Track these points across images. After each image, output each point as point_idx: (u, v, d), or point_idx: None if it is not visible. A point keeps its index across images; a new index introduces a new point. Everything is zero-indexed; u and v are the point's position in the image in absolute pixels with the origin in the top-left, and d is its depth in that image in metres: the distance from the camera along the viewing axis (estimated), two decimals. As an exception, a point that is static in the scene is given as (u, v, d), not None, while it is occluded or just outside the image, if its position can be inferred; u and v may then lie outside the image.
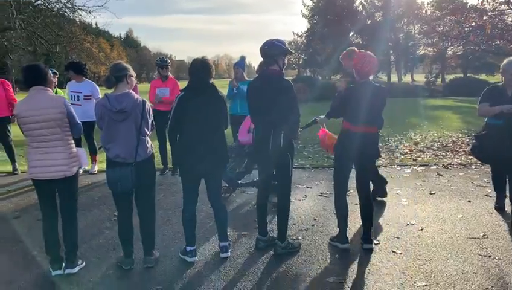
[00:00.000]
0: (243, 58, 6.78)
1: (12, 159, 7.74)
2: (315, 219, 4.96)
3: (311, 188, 6.21)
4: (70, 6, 11.73)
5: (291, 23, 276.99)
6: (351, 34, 39.37)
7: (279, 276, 3.62)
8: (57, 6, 11.68)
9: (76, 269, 3.74)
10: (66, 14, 12.19)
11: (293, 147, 3.98)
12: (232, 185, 5.71)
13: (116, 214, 4.94)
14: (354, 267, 3.75)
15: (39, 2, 11.41)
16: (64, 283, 3.56)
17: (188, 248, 3.92)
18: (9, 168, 7.80)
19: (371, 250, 4.05)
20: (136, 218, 3.85)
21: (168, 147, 7.20)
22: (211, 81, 3.79)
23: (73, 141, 3.70)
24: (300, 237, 4.38)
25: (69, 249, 3.72)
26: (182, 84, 7.48)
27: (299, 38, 46.21)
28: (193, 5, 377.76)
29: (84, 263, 3.86)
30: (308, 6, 42.06)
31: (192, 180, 3.85)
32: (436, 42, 29.69)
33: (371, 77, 4.11)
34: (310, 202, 5.63)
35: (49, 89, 3.58)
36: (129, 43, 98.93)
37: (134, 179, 3.56)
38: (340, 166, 4.17)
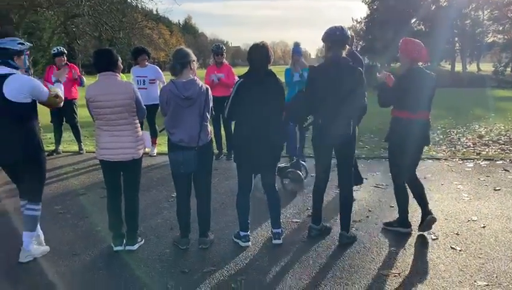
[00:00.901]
0: (297, 45, 6.72)
1: (79, 140, 8.22)
2: (370, 211, 4.87)
3: (366, 179, 6.08)
4: (134, -7, 12.20)
5: (345, 8, 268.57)
6: (413, 21, 37.63)
7: (332, 266, 3.60)
8: (122, -7, 12.21)
9: (136, 246, 3.93)
10: (130, 1, 12.74)
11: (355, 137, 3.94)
12: None
13: (173, 195, 5.15)
14: (409, 262, 3.65)
15: (104, -11, 11.98)
16: (124, 259, 3.76)
17: (242, 233, 3.99)
18: (76, 148, 8.30)
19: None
20: (193, 200, 3.97)
21: (223, 132, 7.34)
22: (269, 68, 3.79)
23: (139, 124, 3.87)
24: (354, 228, 4.31)
25: (130, 227, 3.92)
26: (237, 70, 7.58)
27: (357, 25, 44.90)
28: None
29: (143, 241, 4.05)
30: (369, -9, 40.63)
31: (249, 166, 3.90)
32: (507, 29, 27.72)
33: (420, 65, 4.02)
34: (364, 193, 5.52)
35: (118, 74, 3.75)
36: (187, 29, 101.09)
37: (196, 162, 3.67)
38: (401, 154, 4.05)
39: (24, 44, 3.65)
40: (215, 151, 7.29)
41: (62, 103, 3.95)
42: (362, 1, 41.40)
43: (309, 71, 4.02)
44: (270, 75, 3.76)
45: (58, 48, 7.84)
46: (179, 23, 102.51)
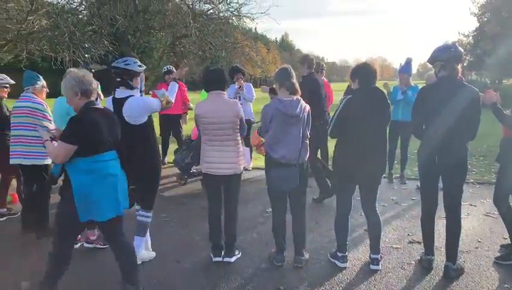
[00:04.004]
0: (408, 62, 6.49)
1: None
2: (479, 241, 4.46)
3: (475, 206, 5.60)
4: (237, 14, 12.80)
5: (449, 21, 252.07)
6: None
7: (436, 298, 3.35)
8: (226, 14, 12.87)
9: (233, 259, 4.05)
10: (232, 21, 13.38)
11: None
12: (184, 173, 6.18)
13: (268, 210, 5.23)
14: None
15: (211, 11, 12.73)
16: (222, 270, 3.89)
17: (339, 254, 3.91)
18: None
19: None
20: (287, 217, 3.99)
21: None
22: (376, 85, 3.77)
23: (240, 141, 4.02)
24: (461, 260, 3.98)
25: (228, 239, 4.05)
26: (334, 86, 7.53)
27: (464, 38, 42.00)
28: (346, 5, 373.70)
29: (240, 254, 4.15)
30: (478, 3, 37.93)
31: (350, 186, 3.84)
32: None
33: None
34: (473, 221, 5.08)
35: (225, 93, 3.95)
36: (284, 46, 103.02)
37: (297, 179, 3.71)
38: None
39: (142, 66, 3.95)
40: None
41: (172, 104, 4.10)
42: (471, 13, 38.70)
43: (419, 90, 3.88)
44: (379, 92, 3.73)
45: (168, 66, 8.48)
46: (276, 40, 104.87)
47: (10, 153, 4.54)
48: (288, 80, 3.76)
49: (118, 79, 3.78)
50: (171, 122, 8.13)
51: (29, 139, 4.47)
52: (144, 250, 4.09)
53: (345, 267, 3.88)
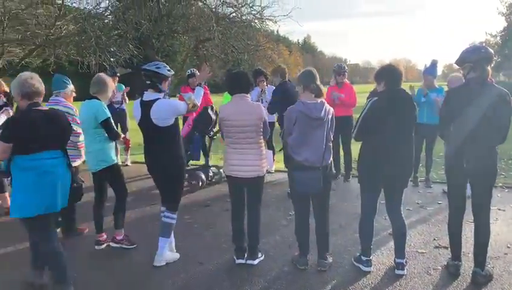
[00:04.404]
0: (434, 63, 6.39)
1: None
2: (508, 247, 4.34)
3: (504, 210, 5.46)
4: (260, 17, 12.78)
5: (475, 21, 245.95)
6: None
7: (463, 305, 3.28)
8: (248, 17, 12.88)
9: (256, 261, 4.05)
10: (254, 24, 13.40)
11: None
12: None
13: (291, 213, 5.22)
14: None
15: (233, 14, 12.78)
16: (245, 272, 3.90)
17: (364, 258, 3.87)
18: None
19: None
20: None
21: (341, 153, 7.24)
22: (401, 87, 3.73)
23: (263, 143, 4.03)
24: (490, 265, 3.88)
25: (251, 241, 4.07)
26: (357, 88, 7.47)
27: (492, 38, 41.02)
28: (369, 6, 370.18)
29: (263, 256, 4.16)
30: (506, 3, 37.03)
31: (375, 189, 3.80)
32: None
33: None
34: (502, 226, 4.94)
35: (248, 96, 3.97)
36: (306, 48, 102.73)
37: (321, 182, 3.69)
38: None
39: (171, 71, 4.02)
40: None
41: (198, 107, 4.21)
42: (498, 13, 37.79)
43: (447, 92, 3.82)
44: (404, 94, 3.69)
45: (192, 69, 8.57)
46: (298, 42, 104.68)
47: None
48: (313, 82, 3.75)
49: (148, 81, 3.89)
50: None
51: None
52: (168, 251, 4.14)
53: (369, 272, 3.84)
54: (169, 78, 4.03)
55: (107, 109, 4.34)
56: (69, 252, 4.44)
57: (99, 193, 4.55)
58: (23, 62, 14.20)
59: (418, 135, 6.30)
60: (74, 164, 4.67)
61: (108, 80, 4.53)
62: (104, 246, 4.50)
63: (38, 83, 3.27)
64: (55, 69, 14.43)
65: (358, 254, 3.98)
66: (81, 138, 4.64)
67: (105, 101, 4.46)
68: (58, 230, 4.82)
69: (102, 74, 4.58)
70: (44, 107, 3.42)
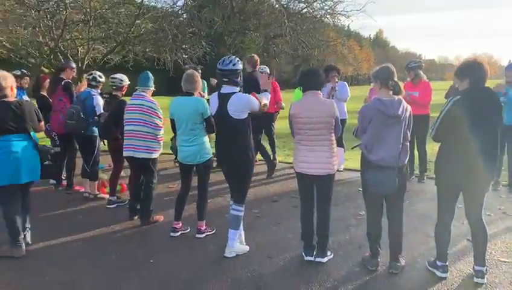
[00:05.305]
0: None
1: (273, 150, 8.88)
2: None
3: None
4: (332, 12, 12.65)
5: None
6: None
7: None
8: (320, 13, 12.80)
9: (325, 259, 4.03)
10: (325, 19, 13.26)
11: None
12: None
13: (361, 213, 5.13)
14: None
15: (305, 10, 12.75)
16: (314, 269, 3.90)
17: (439, 263, 3.71)
18: (270, 157, 8.96)
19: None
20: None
21: (415, 153, 6.95)
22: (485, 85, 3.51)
23: (335, 141, 3.99)
24: None
25: (321, 239, 4.05)
26: (432, 85, 7.10)
27: None
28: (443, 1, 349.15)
29: (332, 255, 4.12)
30: None
31: (454, 192, 3.61)
32: None
33: None
34: None
35: (320, 93, 3.95)
36: (378, 43, 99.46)
37: (396, 183, 3.59)
38: None
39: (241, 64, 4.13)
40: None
41: (267, 108, 4.35)
42: None
43: None
44: (490, 93, 3.47)
45: (262, 67, 8.65)
46: (370, 37, 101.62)
47: (123, 146, 5.00)
48: (391, 79, 3.64)
49: (225, 79, 4.05)
50: (264, 120, 8.28)
51: (141, 134, 4.86)
52: (238, 243, 4.24)
53: (444, 278, 3.67)
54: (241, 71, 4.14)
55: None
56: (146, 237, 4.75)
57: (186, 183, 4.76)
58: (105, 59, 15.24)
59: (500, 137, 5.89)
60: (154, 156, 4.97)
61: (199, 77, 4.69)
62: (179, 233, 4.71)
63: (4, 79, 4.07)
64: (133, 65, 15.30)
65: (433, 259, 3.81)
66: (162, 131, 4.92)
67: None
68: (136, 218, 5.17)
69: (194, 71, 4.71)
70: (12, 99, 4.15)
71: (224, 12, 11.82)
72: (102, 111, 5.71)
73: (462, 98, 3.46)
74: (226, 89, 4.07)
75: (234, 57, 4.17)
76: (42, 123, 4.47)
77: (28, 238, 4.41)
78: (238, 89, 4.07)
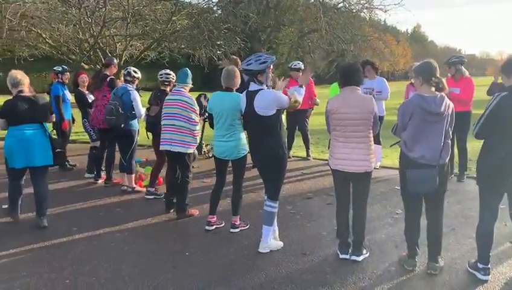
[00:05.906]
0: None
1: (307, 146, 8.83)
2: None
3: None
4: (369, 6, 12.40)
5: None
6: None
7: None
8: (357, 7, 12.57)
9: (361, 258, 3.97)
10: (362, 14, 13.02)
11: None
12: None
13: (397, 212, 5.03)
14: None
15: (341, 5, 12.57)
16: (350, 268, 3.85)
17: (480, 265, 3.58)
18: (304, 153, 8.92)
19: None
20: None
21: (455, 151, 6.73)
22: None
23: (372, 138, 3.92)
24: None
25: (357, 237, 3.99)
26: (475, 80, 6.83)
27: None
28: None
29: (368, 254, 4.06)
30: None
31: (497, 193, 3.48)
32: None
33: None
34: None
35: (359, 88, 3.89)
36: (415, 38, 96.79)
37: (437, 181, 3.49)
38: None
39: (265, 62, 4.04)
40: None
41: (300, 105, 4.30)
42: None
43: None
44: None
45: (297, 63, 8.61)
46: (407, 32, 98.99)
47: (161, 140, 5.10)
48: (434, 75, 3.52)
49: (247, 77, 4.10)
50: (298, 116, 8.24)
51: (178, 129, 4.94)
52: (272, 239, 4.25)
53: (486, 281, 3.54)
54: (267, 69, 4.08)
55: None
56: (181, 230, 4.83)
57: (221, 178, 4.80)
58: (142, 55, 15.57)
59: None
60: (189, 150, 5.04)
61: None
62: (213, 227, 4.76)
63: (15, 76, 4.73)
64: (169, 61, 15.54)
65: (474, 261, 3.69)
66: (198, 127, 4.99)
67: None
68: (172, 211, 5.26)
69: (234, 67, 4.72)
70: (29, 93, 4.78)
71: (259, 7, 11.81)
72: (139, 105, 5.86)
73: (509, 94, 3.31)
74: (253, 86, 4.09)
75: (261, 54, 4.19)
76: (53, 116, 5.21)
77: (45, 223, 4.87)
78: (263, 86, 4.07)
